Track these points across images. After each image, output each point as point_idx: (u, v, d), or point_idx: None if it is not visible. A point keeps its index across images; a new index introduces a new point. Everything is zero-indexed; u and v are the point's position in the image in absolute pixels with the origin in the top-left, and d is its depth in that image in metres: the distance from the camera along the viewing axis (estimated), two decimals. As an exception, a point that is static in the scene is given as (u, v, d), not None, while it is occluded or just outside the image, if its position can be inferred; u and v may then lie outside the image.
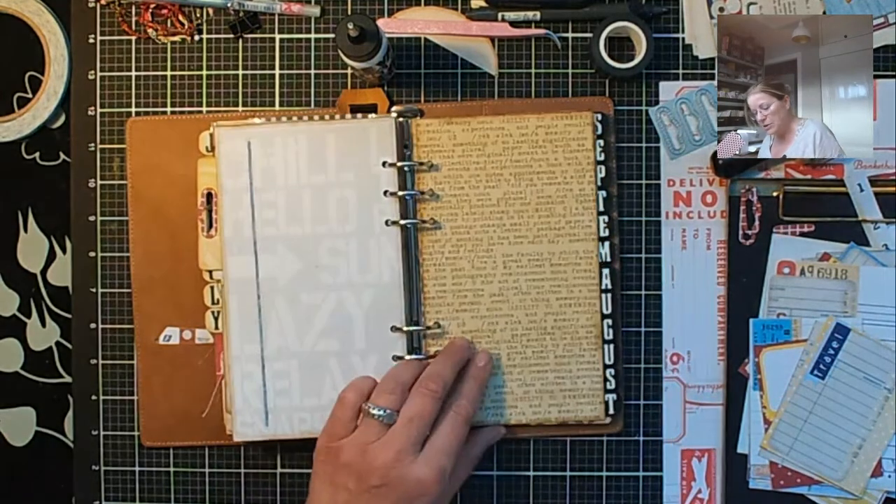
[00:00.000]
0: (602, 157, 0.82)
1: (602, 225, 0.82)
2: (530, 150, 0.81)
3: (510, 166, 0.81)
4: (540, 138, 0.81)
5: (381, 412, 0.74)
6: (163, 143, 0.83)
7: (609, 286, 0.82)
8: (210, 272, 0.82)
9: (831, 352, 0.81)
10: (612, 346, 0.82)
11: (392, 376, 0.77)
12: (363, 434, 0.74)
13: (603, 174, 0.82)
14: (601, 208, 0.82)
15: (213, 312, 0.82)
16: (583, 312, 0.82)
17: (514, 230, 0.81)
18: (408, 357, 0.80)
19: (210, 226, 0.82)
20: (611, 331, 0.82)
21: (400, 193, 0.80)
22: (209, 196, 0.82)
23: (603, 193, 0.82)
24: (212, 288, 0.82)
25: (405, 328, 0.81)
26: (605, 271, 0.82)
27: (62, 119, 0.86)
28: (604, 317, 0.82)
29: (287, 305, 0.81)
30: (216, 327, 0.82)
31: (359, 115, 0.82)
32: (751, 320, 0.82)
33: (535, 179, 0.81)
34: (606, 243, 0.82)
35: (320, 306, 0.81)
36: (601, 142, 0.82)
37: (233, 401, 0.81)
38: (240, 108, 0.84)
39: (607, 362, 0.82)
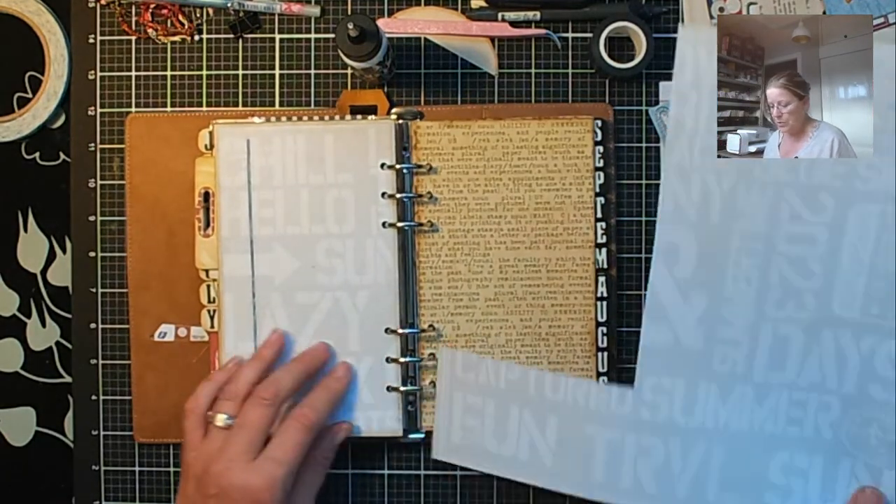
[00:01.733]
0: (601, 164, 0.81)
1: (600, 231, 0.81)
2: (530, 155, 0.81)
3: (509, 171, 0.81)
4: (540, 143, 0.81)
5: (222, 420, 0.74)
6: (162, 139, 0.83)
7: (605, 294, 0.81)
8: (206, 271, 0.82)
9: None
10: (605, 353, 0.82)
11: (232, 380, 0.76)
12: (208, 443, 0.74)
13: (602, 180, 0.81)
14: (599, 214, 0.81)
15: (208, 311, 0.82)
16: (577, 319, 0.81)
17: (511, 235, 0.81)
18: (401, 359, 0.80)
19: (207, 225, 0.82)
20: (605, 338, 0.81)
21: (398, 195, 0.80)
22: (206, 195, 0.82)
23: (601, 200, 0.81)
24: (208, 286, 0.82)
25: (399, 330, 0.81)
26: (602, 279, 0.81)
27: (62, 119, 0.86)
28: (598, 324, 0.81)
29: (282, 305, 0.80)
30: (212, 325, 0.82)
31: (358, 117, 0.82)
32: (751, 321, 0.82)
33: (533, 185, 0.81)
34: (604, 249, 0.81)
35: (316, 306, 0.81)
36: (600, 148, 0.81)
37: (226, 400, 0.81)
38: (240, 109, 0.84)
39: (601, 370, 0.81)
